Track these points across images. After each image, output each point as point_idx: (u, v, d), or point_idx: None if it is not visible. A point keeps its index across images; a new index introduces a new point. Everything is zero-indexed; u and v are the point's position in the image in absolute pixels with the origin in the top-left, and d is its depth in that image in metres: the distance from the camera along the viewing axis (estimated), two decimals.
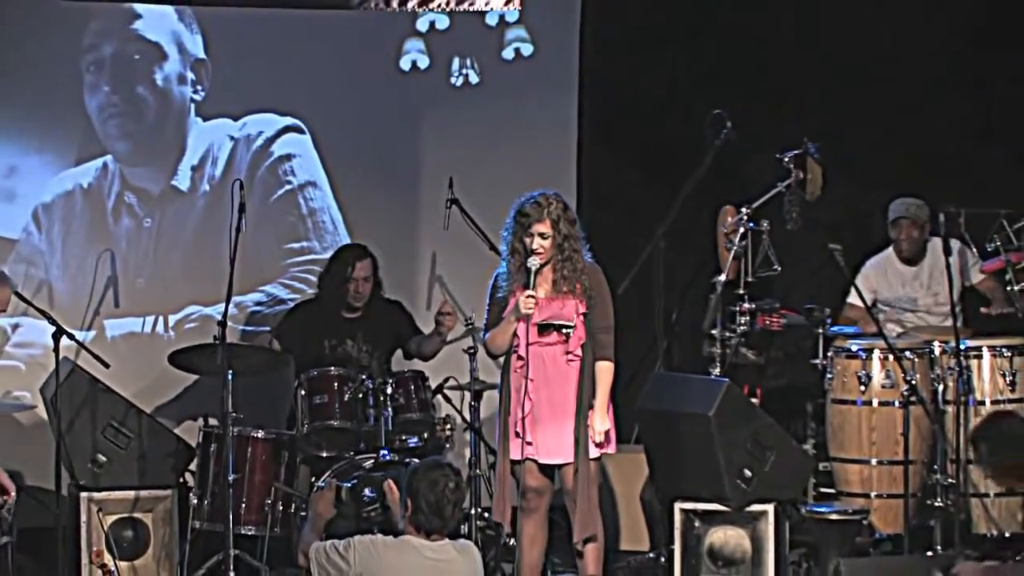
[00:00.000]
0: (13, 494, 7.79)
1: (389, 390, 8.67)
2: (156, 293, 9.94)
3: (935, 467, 8.73)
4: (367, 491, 8.12)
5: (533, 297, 7.68)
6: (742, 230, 8.89)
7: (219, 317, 8.53)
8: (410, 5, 8.98)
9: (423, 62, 10.13)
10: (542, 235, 7.77)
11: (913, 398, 8.71)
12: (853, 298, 9.48)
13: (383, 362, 9.18)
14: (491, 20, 9.79)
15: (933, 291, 9.52)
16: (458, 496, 6.54)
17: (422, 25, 9.74)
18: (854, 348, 8.99)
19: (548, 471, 7.85)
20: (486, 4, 8.99)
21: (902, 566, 8.34)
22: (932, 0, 9.96)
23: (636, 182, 10.24)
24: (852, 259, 9.41)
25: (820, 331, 9.14)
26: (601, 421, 7.73)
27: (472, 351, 8.76)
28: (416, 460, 7.97)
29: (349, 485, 8.16)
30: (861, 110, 10.12)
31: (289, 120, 10.20)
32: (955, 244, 9.12)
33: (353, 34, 9.96)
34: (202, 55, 9.99)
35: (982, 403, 8.90)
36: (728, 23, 10.23)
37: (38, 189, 9.95)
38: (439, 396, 9.08)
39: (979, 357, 8.90)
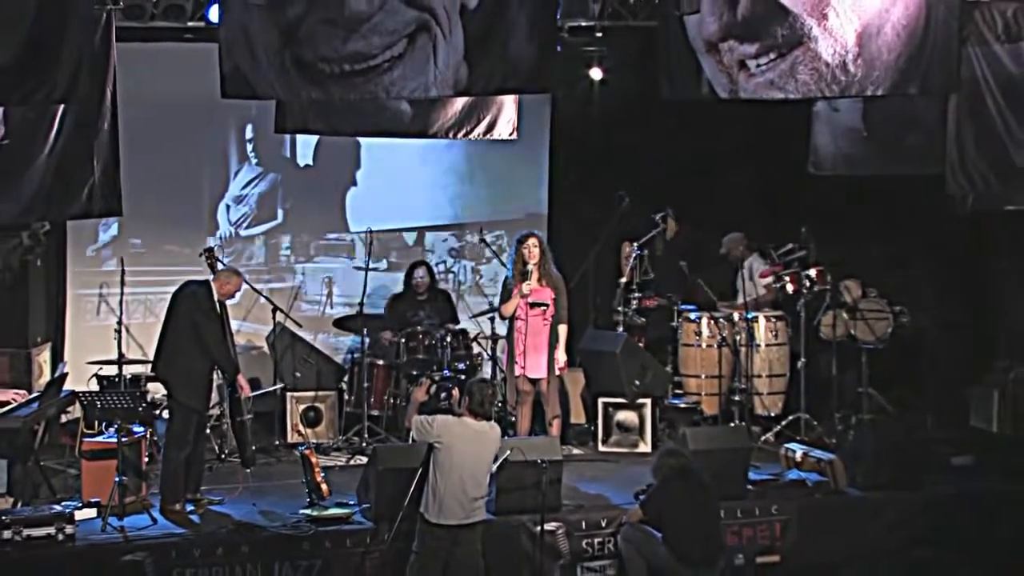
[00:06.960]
0: (248, 391, 9.34)
1: (448, 338, 11.10)
2: (327, 288, 12.57)
3: (735, 379, 11.33)
4: (443, 395, 9.99)
5: (531, 286, 10.11)
6: (634, 254, 11.37)
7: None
8: (459, 135, 10.46)
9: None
10: (533, 245, 10.17)
11: (724, 343, 11.27)
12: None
13: (443, 323, 11.53)
14: None
15: (748, 280, 11.52)
16: (494, 397, 8.31)
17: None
18: (692, 317, 11.57)
19: (533, 382, 10.29)
20: (498, 134, 10.45)
21: (718, 431, 10.37)
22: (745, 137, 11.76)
23: (581, 227, 12.41)
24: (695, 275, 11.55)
25: (675, 308, 11.68)
26: (561, 355, 10.31)
27: (492, 318, 10.95)
28: (463, 377, 10.30)
29: (433, 385, 9.81)
30: (703, 188, 12.08)
31: None
32: (756, 261, 11.65)
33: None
34: None
35: (759, 345, 11.34)
36: (626, 140, 12.19)
37: None
38: (475, 342, 11.41)
39: (758, 321, 11.47)
